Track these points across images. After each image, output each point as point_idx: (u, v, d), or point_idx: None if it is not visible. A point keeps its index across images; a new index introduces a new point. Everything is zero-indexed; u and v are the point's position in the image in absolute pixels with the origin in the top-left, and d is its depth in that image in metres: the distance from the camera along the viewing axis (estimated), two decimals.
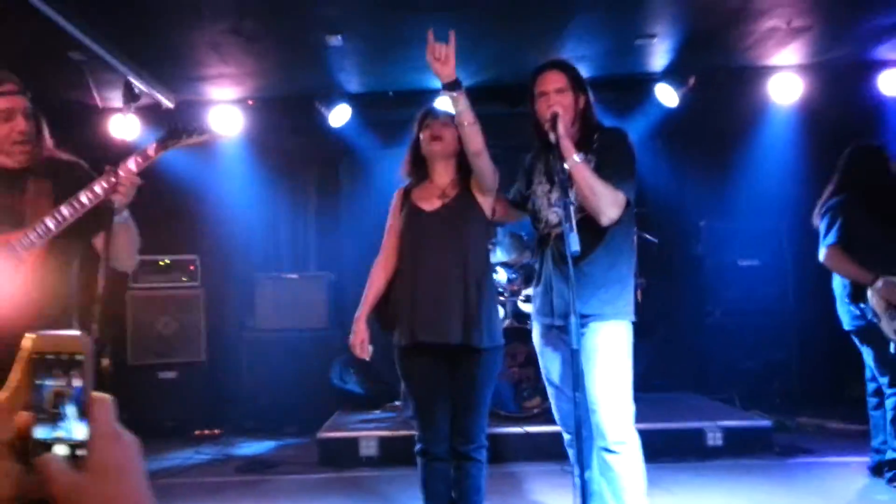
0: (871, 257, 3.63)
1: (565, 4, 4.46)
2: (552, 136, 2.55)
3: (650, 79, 5.76)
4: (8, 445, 0.61)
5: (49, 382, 0.63)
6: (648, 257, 6.11)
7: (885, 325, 3.55)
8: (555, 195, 2.71)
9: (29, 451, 0.61)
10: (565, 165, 2.54)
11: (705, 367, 6.07)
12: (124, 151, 5.58)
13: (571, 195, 2.50)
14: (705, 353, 6.11)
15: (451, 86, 2.54)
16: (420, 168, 2.92)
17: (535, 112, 2.72)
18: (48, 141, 2.52)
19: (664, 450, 4.44)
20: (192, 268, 5.85)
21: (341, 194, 6.57)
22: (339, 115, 5.74)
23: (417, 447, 2.85)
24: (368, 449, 4.51)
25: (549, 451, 4.19)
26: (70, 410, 0.63)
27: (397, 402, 5.12)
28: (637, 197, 6.29)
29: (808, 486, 3.92)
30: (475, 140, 2.62)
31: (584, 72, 5.42)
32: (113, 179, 2.34)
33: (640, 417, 4.71)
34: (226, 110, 5.75)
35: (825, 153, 4.47)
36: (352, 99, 5.77)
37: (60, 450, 0.62)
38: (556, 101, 2.64)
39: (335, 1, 4.19)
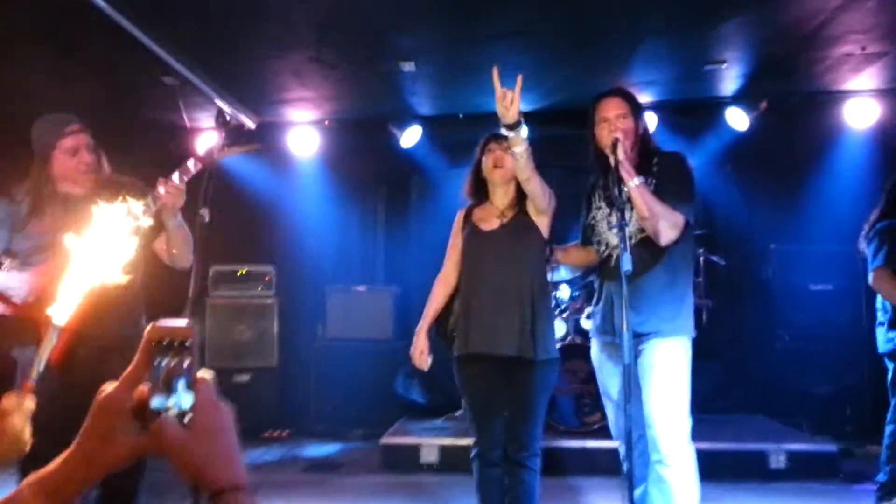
0: None
1: (632, 31, 4.54)
2: (612, 160, 2.66)
3: (721, 103, 5.77)
4: (131, 412, 0.80)
5: (164, 362, 0.82)
6: (715, 280, 6.09)
7: None
8: (614, 218, 2.81)
9: (147, 417, 0.80)
10: (624, 188, 2.67)
11: (773, 391, 5.97)
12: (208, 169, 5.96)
13: (627, 216, 2.63)
14: (774, 377, 6.00)
15: (512, 126, 2.68)
16: (481, 190, 3.09)
17: (595, 137, 2.83)
18: (106, 168, 2.89)
19: (726, 470, 4.48)
20: (267, 278, 6.16)
21: (410, 212, 6.79)
22: (411, 137, 5.97)
23: (473, 452, 2.99)
24: (429, 455, 4.68)
25: (607, 466, 4.25)
26: (180, 384, 0.81)
27: (458, 412, 5.27)
28: (705, 219, 6.37)
29: None
30: (524, 170, 2.77)
31: (653, 96, 5.60)
32: (160, 191, 2.64)
33: (703, 437, 4.73)
34: (304, 131, 6.07)
35: None
36: (423, 121, 5.99)
37: (172, 415, 0.80)
38: (617, 127, 2.74)
39: (409, 31, 4.42)
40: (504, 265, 2.93)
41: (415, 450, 4.72)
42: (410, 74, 5.01)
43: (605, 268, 2.92)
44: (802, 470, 4.51)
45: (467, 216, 3.11)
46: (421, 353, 3.02)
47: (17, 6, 3.82)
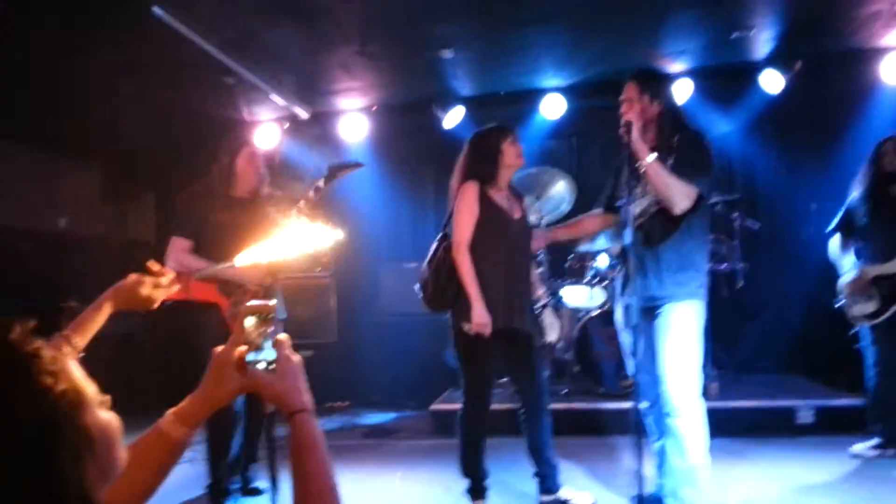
0: None
1: (657, 3, 4.67)
2: (625, 140, 2.95)
3: (754, 67, 5.81)
4: (235, 364, 1.17)
5: (256, 329, 1.18)
6: (756, 242, 6.21)
7: None
8: (637, 191, 3.11)
9: (244, 367, 1.17)
10: (640, 165, 2.95)
11: (814, 350, 6.09)
12: (268, 157, 6.37)
13: (639, 192, 2.94)
14: (814, 337, 6.11)
15: None
16: (490, 170, 3.39)
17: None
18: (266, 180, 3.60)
19: (754, 426, 4.73)
20: (324, 259, 6.54)
21: None
22: (453, 118, 6.24)
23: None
24: None
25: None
26: (266, 344, 1.18)
27: (502, 380, 5.57)
28: (744, 183, 6.42)
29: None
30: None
31: (686, 64, 5.71)
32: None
33: (738, 396, 4.95)
34: (353, 118, 6.40)
35: None
36: (465, 101, 6.23)
37: (261, 365, 1.18)
38: (628, 110, 3.03)
39: (446, 21, 4.69)
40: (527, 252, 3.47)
41: None
42: (450, 61, 5.28)
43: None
44: (829, 424, 4.69)
45: (483, 192, 3.36)
46: (488, 322, 3.21)
47: (102, 39, 4.30)
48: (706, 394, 4.97)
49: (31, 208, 6.01)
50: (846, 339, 5.99)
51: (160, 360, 6.18)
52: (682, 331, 3.01)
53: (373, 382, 6.44)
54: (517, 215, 3.42)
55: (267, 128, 6.47)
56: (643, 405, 3.16)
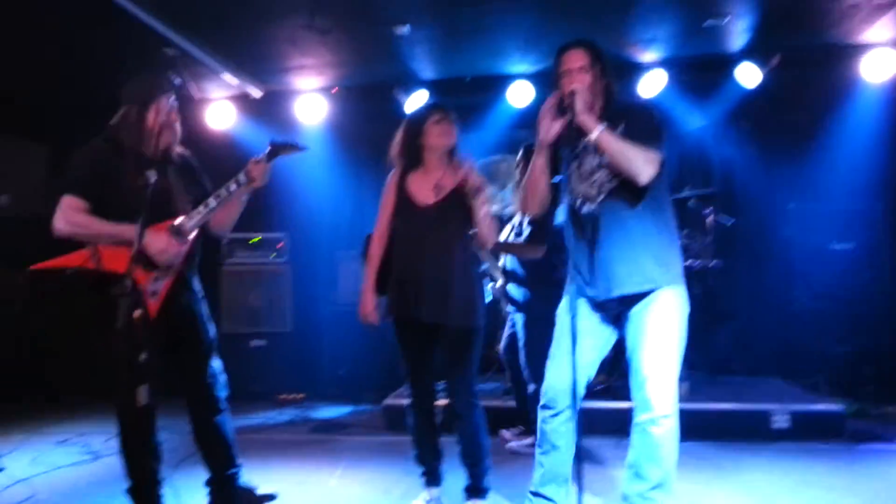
0: None
1: None
2: (569, 113, 2.65)
3: (730, 59, 5.63)
4: None
5: None
6: (730, 239, 5.99)
7: None
8: (585, 167, 2.77)
9: None
10: (590, 138, 2.64)
11: (791, 353, 5.88)
12: (222, 139, 6.09)
13: (594, 164, 2.70)
14: (791, 339, 5.91)
15: None
16: (412, 153, 3.19)
17: (560, 91, 2.74)
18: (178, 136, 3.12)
19: (728, 431, 4.50)
20: (280, 245, 6.29)
21: None
22: (416, 102, 5.96)
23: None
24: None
25: (607, 426, 4.26)
26: None
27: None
28: (721, 178, 6.20)
29: (871, 471, 3.83)
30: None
31: (659, 53, 5.45)
32: (248, 175, 2.98)
33: (708, 398, 4.74)
34: (311, 99, 6.12)
35: None
36: (429, 86, 5.98)
37: None
38: (578, 79, 2.71)
39: None
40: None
41: None
42: (406, 38, 5.01)
43: (577, 221, 2.79)
44: (806, 430, 4.46)
45: (401, 179, 3.26)
46: (373, 311, 3.17)
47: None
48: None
49: None
50: (824, 341, 5.84)
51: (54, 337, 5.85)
52: (668, 324, 2.67)
53: (329, 375, 6.19)
54: (431, 200, 3.10)
55: (219, 107, 6.18)
56: (551, 406, 2.79)
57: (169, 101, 2.99)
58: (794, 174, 6.03)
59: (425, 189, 3.13)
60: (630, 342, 2.72)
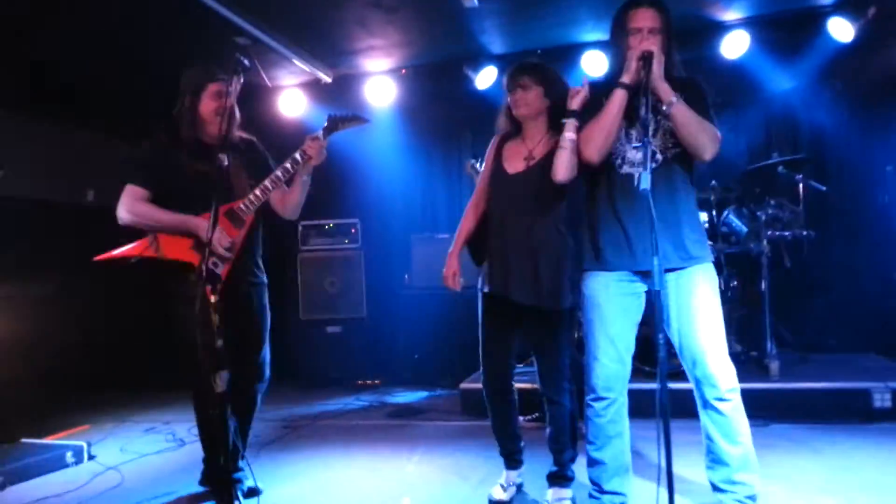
0: None
1: None
2: (643, 75, 2.48)
3: (821, 13, 5.24)
4: None
5: None
6: (821, 208, 5.64)
7: None
8: (634, 134, 2.63)
9: None
10: (664, 107, 2.49)
11: (889, 327, 5.51)
12: (295, 125, 6.09)
13: (651, 131, 2.49)
14: (890, 312, 5.54)
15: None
16: (513, 122, 3.07)
17: (625, 48, 2.58)
18: (238, 121, 3.13)
19: (826, 411, 4.24)
20: (353, 230, 6.28)
21: None
22: (486, 78, 5.83)
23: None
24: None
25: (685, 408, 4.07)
26: None
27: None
28: (810, 143, 5.86)
29: None
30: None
31: (742, 12, 5.16)
32: (304, 154, 3.01)
33: (801, 377, 4.48)
34: (380, 81, 6.05)
35: None
36: (499, 60, 5.82)
37: None
38: (650, 41, 2.54)
39: None
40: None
41: None
42: (475, 11, 4.86)
43: (621, 190, 2.63)
44: None
45: (499, 146, 3.14)
46: (454, 276, 3.14)
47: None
48: (766, 374, 4.55)
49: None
50: None
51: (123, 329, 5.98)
52: (714, 297, 2.60)
53: (404, 360, 6.15)
54: (521, 168, 2.98)
55: (291, 93, 6.19)
56: (605, 396, 2.66)
57: (222, 87, 2.94)
58: (891, 135, 5.62)
59: (518, 157, 3.01)
60: (676, 317, 2.60)
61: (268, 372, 3.27)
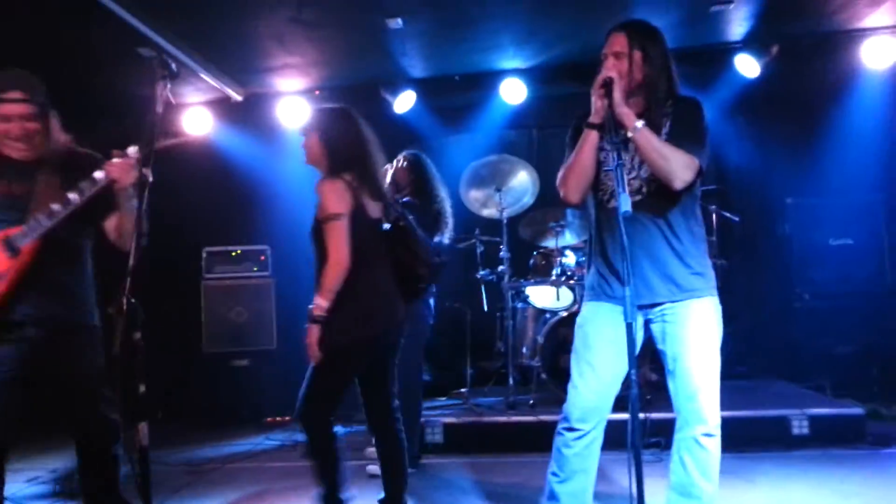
0: None
1: None
2: (604, 103, 2.38)
3: (729, 48, 5.49)
4: None
5: None
6: (730, 238, 5.81)
7: None
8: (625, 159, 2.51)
9: None
10: (628, 134, 2.40)
11: (794, 354, 5.73)
12: (199, 146, 5.67)
13: (625, 157, 2.41)
14: (794, 339, 5.76)
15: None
16: None
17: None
18: (60, 137, 2.72)
19: (747, 439, 4.24)
20: (262, 258, 5.95)
21: None
22: (404, 102, 5.71)
23: None
24: (433, 435, 4.45)
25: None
26: None
27: (463, 390, 5.05)
28: (717, 173, 6.04)
29: None
30: None
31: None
32: (107, 174, 2.54)
33: (721, 405, 4.48)
34: (293, 101, 5.80)
35: None
36: (417, 84, 5.73)
37: None
38: (613, 66, 2.46)
39: None
40: None
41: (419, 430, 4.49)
42: (399, 32, 4.74)
43: (608, 224, 2.54)
44: (826, 435, 4.28)
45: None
46: None
47: None
48: None
49: None
50: (827, 341, 5.67)
51: None
52: (710, 333, 2.50)
53: None
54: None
55: (196, 112, 5.82)
56: (579, 427, 2.53)
57: (9, 110, 2.60)
58: (793, 168, 5.92)
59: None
60: (671, 351, 2.52)
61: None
